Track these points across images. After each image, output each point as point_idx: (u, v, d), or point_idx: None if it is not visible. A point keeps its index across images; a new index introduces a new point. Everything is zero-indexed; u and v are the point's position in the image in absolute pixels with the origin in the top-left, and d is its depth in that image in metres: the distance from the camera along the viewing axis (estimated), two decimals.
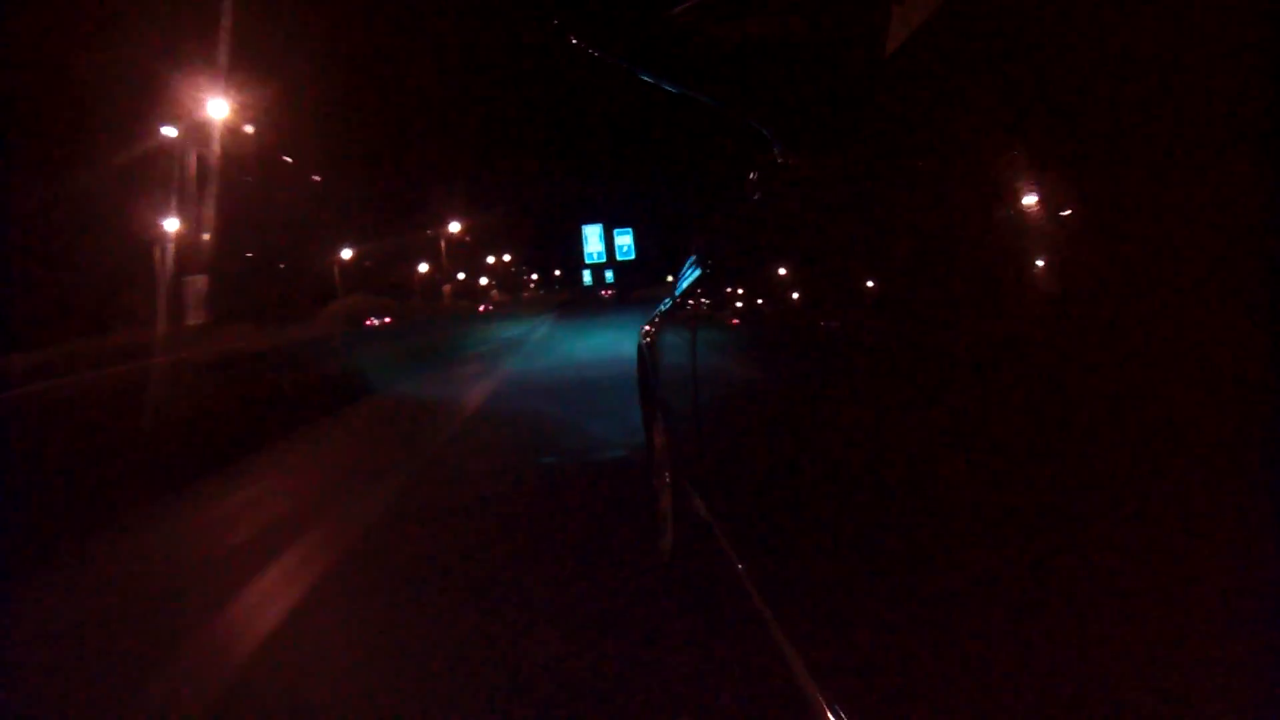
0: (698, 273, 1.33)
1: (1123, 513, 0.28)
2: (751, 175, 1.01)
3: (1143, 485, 0.27)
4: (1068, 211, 0.32)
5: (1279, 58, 0.24)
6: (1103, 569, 0.30)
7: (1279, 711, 0.23)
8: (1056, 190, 0.34)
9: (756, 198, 0.95)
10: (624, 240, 57.88)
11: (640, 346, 2.11)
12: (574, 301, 40.27)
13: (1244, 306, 0.24)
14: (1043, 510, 0.33)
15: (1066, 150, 0.33)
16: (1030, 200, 0.35)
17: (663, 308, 1.81)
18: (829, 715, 0.57)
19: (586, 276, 64.29)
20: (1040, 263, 0.34)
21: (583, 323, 15.73)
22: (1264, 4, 0.25)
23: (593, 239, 59.26)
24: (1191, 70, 0.27)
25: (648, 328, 1.99)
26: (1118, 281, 0.29)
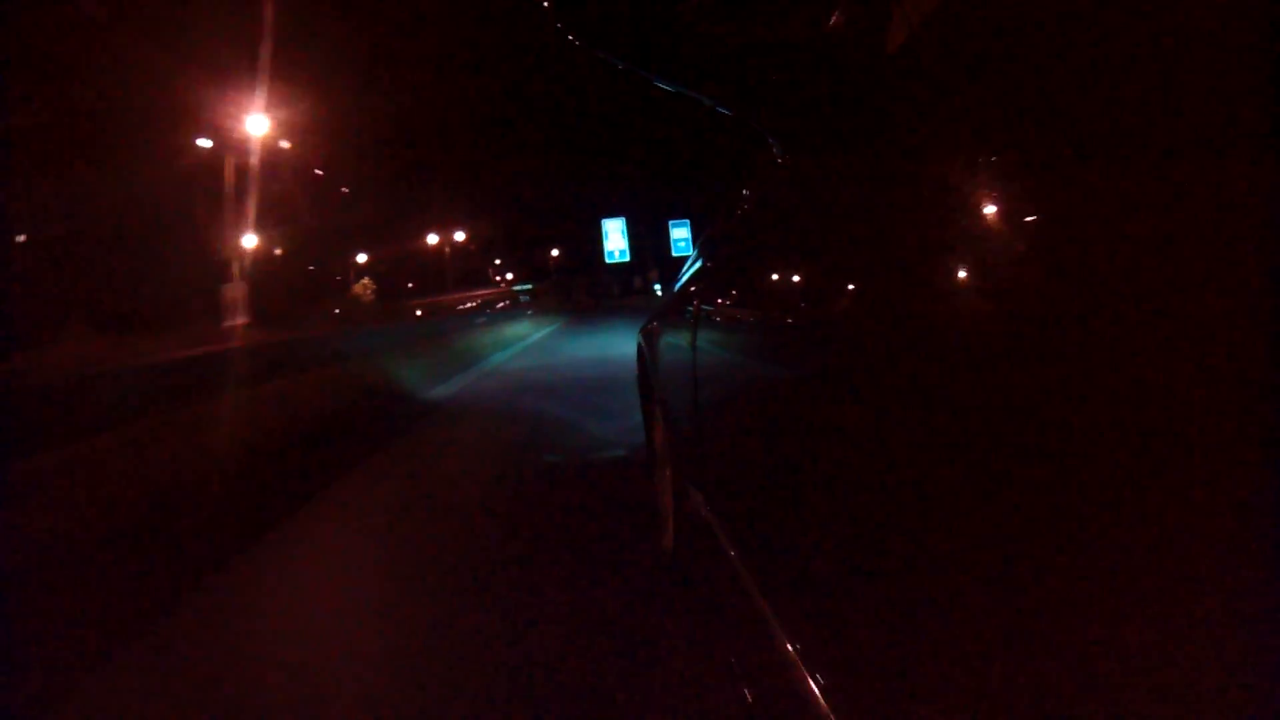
0: (698, 267, 1.33)
1: (1123, 512, 0.28)
2: (745, 191, 1.01)
3: (1143, 485, 0.27)
4: (1069, 211, 0.32)
5: (1279, 58, 0.24)
6: (1103, 569, 0.30)
7: (1279, 712, 0.23)
8: (1058, 189, 0.34)
9: (757, 197, 0.95)
10: (680, 234, 32.75)
11: (640, 345, 2.11)
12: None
13: (1244, 306, 0.24)
14: (1043, 510, 0.33)
15: (1068, 149, 0.33)
16: (1031, 199, 0.35)
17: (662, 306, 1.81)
18: (829, 715, 0.57)
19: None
20: (1042, 262, 0.34)
21: None
22: (1264, 4, 0.25)
23: (614, 235, 36.70)
24: (1193, 68, 0.27)
25: (647, 326, 1.98)
26: (1119, 281, 0.29)
